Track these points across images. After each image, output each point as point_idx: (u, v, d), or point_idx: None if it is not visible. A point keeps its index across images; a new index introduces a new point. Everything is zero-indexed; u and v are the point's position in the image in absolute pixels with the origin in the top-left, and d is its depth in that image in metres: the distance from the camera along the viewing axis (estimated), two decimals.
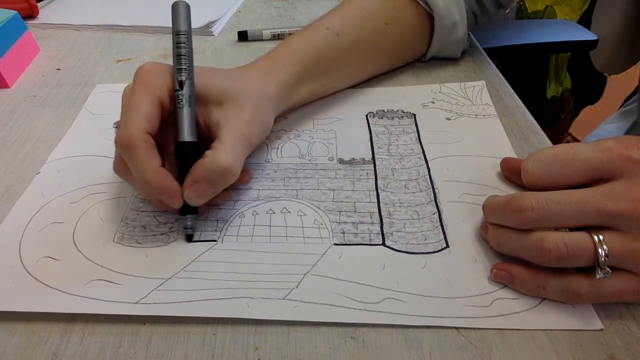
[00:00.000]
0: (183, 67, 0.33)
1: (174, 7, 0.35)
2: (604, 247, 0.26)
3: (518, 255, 0.29)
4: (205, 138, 0.34)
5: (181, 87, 0.33)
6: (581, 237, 0.26)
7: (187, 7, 0.35)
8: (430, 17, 0.48)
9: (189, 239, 0.33)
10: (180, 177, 0.32)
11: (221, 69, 0.37)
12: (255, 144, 0.35)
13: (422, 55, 0.52)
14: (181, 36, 0.34)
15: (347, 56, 0.45)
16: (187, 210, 0.32)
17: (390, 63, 0.51)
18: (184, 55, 0.33)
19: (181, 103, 0.32)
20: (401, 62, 0.52)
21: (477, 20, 0.54)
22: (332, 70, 0.44)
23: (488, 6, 0.52)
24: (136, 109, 0.31)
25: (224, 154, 0.31)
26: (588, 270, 0.27)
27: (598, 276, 0.26)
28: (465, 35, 0.51)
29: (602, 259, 0.26)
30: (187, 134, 0.32)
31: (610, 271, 0.26)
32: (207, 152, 0.32)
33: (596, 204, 0.26)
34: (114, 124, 0.33)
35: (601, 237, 0.26)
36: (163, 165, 0.31)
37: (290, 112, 0.45)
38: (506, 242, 0.29)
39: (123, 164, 0.32)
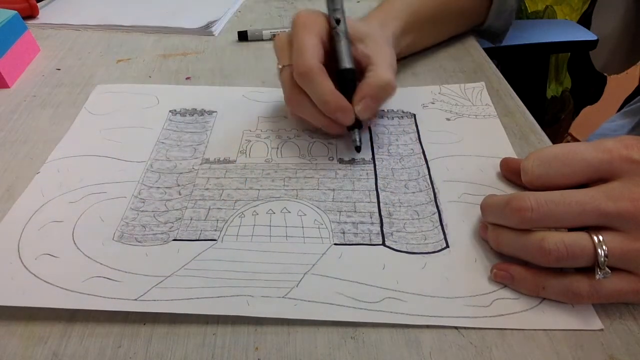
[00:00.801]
0: (337, 7, 0.39)
1: None
2: (604, 247, 0.26)
3: (518, 255, 0.29)
4: (357, 70, 0.39)
5: (338, 24, 0.39)
6: (581, 237, 0.26)
7: None
8: None
9: (358, 150, 0.39)
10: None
11: (357, 19, 0.44)
12: (396, 72, 0.41)
13: (480, 23, 0.57)
14: None
15: (432, 16, 0.51)
16: (354, 125, 0.39)
17: (456, 28, 0.56)
18: (337, 5, 0.39)
19: (339, 37, 0.39)
20: (465, 28, 0.58)
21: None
22: (424, 27, 0.51)
23: None
24: (306, 45, 0.37)
25: (383, 72, 0.38)
26: (588, 270, 0.27)
27: (598, 276, 0.26)
28: (516, 4, 0.55)
29: (602, 259, 0.26)
30: (347, 62, 0.39)
31: (610, 271, 0.26)
32: (368, 74, 0.38)
33: (596, 204, 0.26)
34: (278, 65, 0.39)
35: (601, 238, 0.26)
36: None
37: None
38: (506, 242, 0.29)
39: (298, 94, 0.38)
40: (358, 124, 0.39)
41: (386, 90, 0.38)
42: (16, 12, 0.55)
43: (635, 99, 0.67)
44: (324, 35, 0.39)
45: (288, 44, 0.39)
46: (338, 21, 0.39)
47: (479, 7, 0.56)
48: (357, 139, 0.39)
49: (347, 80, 0.39)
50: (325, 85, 0.36)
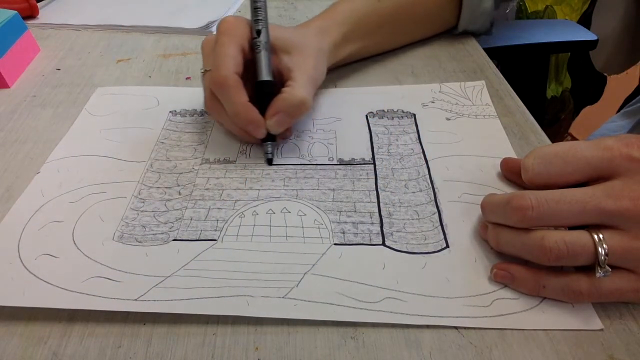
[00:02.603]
0: (260, 18, 0.39)
1: None
2: (604, 245, 0.26)
3: (518, 254, 0.29)
4: (277, 82, 0.39)
5: (259, 35, 0.39)
6: (581, 235, 0.26)
7: None
8: None
9: (270, 162, 0.39)
10: (260, 112, 0.38)
11: (287, 27, 0.44)
12: (318, 86, 0.42)
13: (453, 27, 0.56)
14: None
15: (386, 21, 0.50)
16: (267, 138, 0.39)
17: (423, 32, 0.55)
18: (260, 8, 0.39)
19: (259, 48, 0.39)
20: (432, 32, 0.56)
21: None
22: (373, 33, 0.50)
23: None
24: (225, 54, 0.37)
25: (299, 89, 0.38)
26: (588, 269, 0.27)
27: (598, 275, 0.26)
28: (492, 6, 0.53)
29: (602, 257, 0.26)
30: (265, 74, 0.39)
31: (610, 270, 0.26)
32: (285, 89, 0.38)
33: (596, 202, 0.26)
34: (201, 69, 0.39)
35: (601, 236, 0.26)
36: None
37: None
38: (506, 241, 0.29)
39: (215, 101, 0.38)
40: (271, 137, 0.39)
41: (299, 108, 0.38)
42: (16, 12, 0.55)
43: (635, 100, 0.67)
44: (245, 45, 0.39)
45: (212, 49, 0.39)
46: (259, 32, 0.39)
47: (448, 11, 0.55)
48: (269, 152, 0.39)
49: (264, 92, 0.39)
50: (238, 97, 0.36)
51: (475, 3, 0.53)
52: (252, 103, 0.37)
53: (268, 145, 0.39)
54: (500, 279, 0.29)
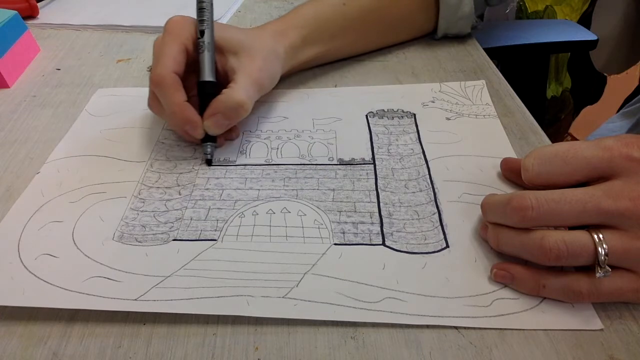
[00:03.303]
0: (204, 18, 0.39)
1: None
2: (604, 245, 0.26)
3: (518, 254, 0.29)
4: (223, 83, 0.39)
5: (202, 35, 0.39)
6: (581, 235, 0.26)
7: None
8: None
9: (209, 163, 0.39)
10: (202, 112, 0.38)
11: (239, 27, 0.43)
12: (264, 89, 0.41)
13: (431, 32, 0.54)
14: None
15: (352, 25, 0.48)
16: (207, 139, 0.39)
17: (396, 36, 0.53)
18: (205, 8, 0.39)
19: (202, 48, 0.39)
20: (407, 37, 0.54)
21: (488, 1, 0.55)
22: (338, 36, 0.48)
23: None
24: (165, 53, 0.37)
25: (238, 92, 0.37)
26: (588, 269, 0.27)
27: (598, 275, 0.26)
28: (472, 10, 0.52)
29: (602, 257, 0.26)
30: (207, 74, 0.39)
31: (610, 270, 0.26)
32: (224, 90, 0.38)
33: (596, 202, 0.26)
34: (148, 68, 0.39)
35: (601, 236, 0.26)
36: (188, 102, 0.37)
37: (290, 113, 0.45)
38: (506, 241, 0.29)
39: (155, 100, 0.38)
40: (211, 138, 0.39)
41: (236, 111, 0.38)
42: (16, 12, 0.55)
43: (634, 100, 0.67)
44: (189, 45, 0.39)
45: None
46: (202, 33, 0.39)
47: (424, 16, 0.53)
48: (208, 152, 0.39)
49: (205, 93, 0.39)
50: (175, 97, 0.37)
51: (453, 8, 0.51)
52: (194, 106, 0.37)
53: (207, 145, 0.39)
54: (500, 279, 0.29)
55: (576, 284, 0.27)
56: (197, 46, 0.39)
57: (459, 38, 0.56)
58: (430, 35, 0.55)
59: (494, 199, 0.30)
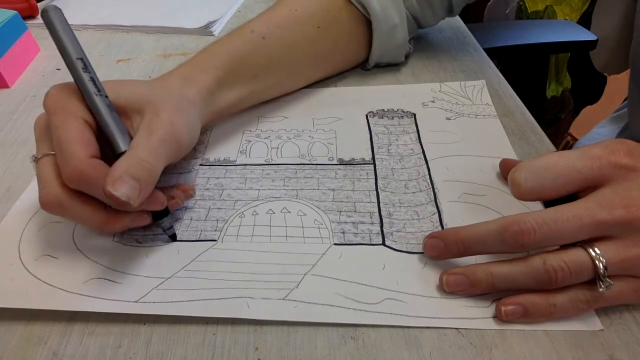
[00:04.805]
0: (89, 80, 0.31)
1: (44, 17, 0.30)
2: (602, 259, 0.25)
3: (519, 286, 0.28)
4: None
5: (95, 104, 0.30)
6: (577, 253, 0.26)
7: (59, 13, 0.31)
8: (367, 21, 0.47)
9: (174, 238, 0.33)
10: None
11: (137, 80, 0.36)
12: (181, 144, 0.33)
13: (363, 62, 0.51)
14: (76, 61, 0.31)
15: (275, 61, 0.43)
16: (158, 215, 0.32)
17: (327, 69, 0.49)
18: (85, 67, 0.31)
19: (102, 118, 0.31)
20: (339, 69, 0.50)
21: (420, 24, 0.52)
22: (261, 75, 0.42)
23: (437, 7, 0.50)
24: (67, 140, 0.29)
25: (139, 150, 0.30)
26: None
27: (601, 289, 0.26)
28: (406, 38, 0.49)
29: (602, 271, 0.25)
30: (122, 144, 0.31)
31: (612, 283, 0.26)
32: (126, 151, 0.30)
33: (592, 215, 0.26)
34: (31, 157, 0.31)
35: (597, 250, 0.26)
36: None
37: (290, 112, 0.45)
38: (503, 277, 0.28)
39: (66, 194, 0.29)
40: (162, 213, 0.32)
41: (143, 169, 0.29)
42: (16, 12, 0.55)
43: (622, 104, 0.67)
44: (85, 114, 0.30)
45: (47, 130, 0.31)
46: (93, 102, 0.30)
47: (355, 47, 0.49)
48: (167, 228, 0.33)
49: None
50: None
51: (385, 38, 0.47)
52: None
53: (164, 220, 0.32)
54: (511, 317, 0.27)
55: (581, 294, 0.27)
56: (94, 115, 0.31)
57: (453, 40, 0.56)
58: (362, 65, 0.51)
59: (478, 230, 0.28)
